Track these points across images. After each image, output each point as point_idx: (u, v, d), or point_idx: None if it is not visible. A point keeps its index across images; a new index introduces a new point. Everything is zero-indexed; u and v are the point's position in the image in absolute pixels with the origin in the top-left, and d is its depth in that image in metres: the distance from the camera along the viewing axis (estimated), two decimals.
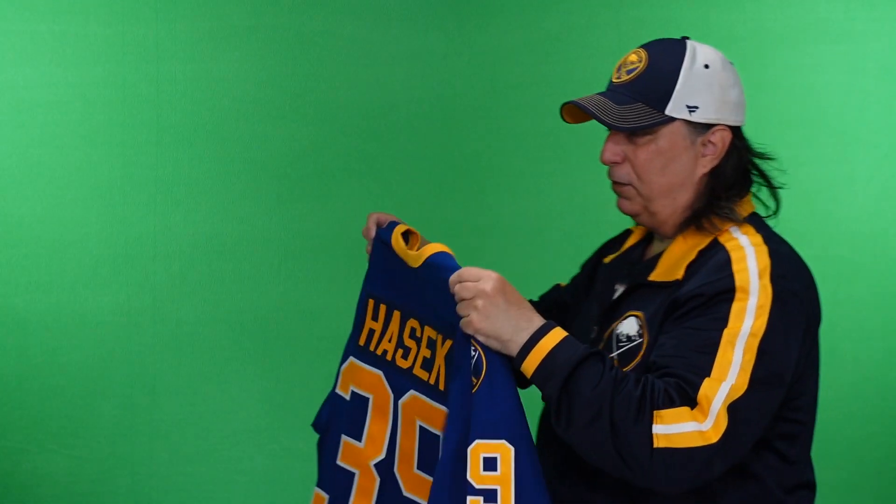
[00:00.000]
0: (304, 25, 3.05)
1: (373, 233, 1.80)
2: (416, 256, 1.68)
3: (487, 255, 2.85)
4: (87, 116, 2.92)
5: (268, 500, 3.00)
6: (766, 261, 1.62)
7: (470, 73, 3.08)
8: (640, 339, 1.61)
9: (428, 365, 1.67)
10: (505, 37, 3.09)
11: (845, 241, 2.98)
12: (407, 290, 1.71)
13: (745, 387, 1.50)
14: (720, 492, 1.58)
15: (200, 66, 2.97)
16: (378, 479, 1.74)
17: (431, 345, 1.66)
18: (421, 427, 1.68)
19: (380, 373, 1.76)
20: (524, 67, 3.09)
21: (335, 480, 1.79)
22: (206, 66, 2.97)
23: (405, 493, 1.69)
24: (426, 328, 1.68)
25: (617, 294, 1.71)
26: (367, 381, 1.78)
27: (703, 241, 1.66)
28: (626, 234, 1.88)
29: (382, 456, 1.73)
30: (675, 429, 1.47)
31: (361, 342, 1.80)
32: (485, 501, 1.50)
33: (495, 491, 1.50)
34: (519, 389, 1.55)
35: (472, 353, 1.53)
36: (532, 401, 1.59)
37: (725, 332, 1.52)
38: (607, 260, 1.84)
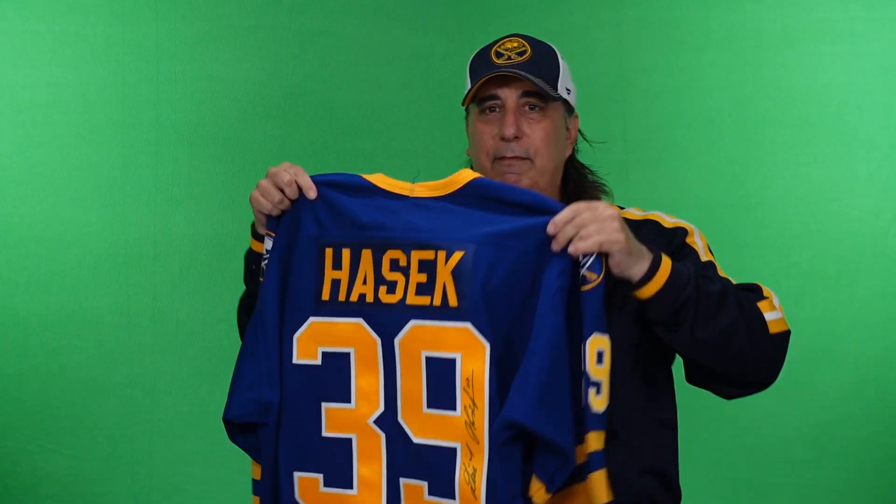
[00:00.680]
0: (304, 25, 3.05)
1: (305, 181, 1.69)
2: (439, 185, 1.64)
3: None
4: (87, 116, 2.92)
5: None
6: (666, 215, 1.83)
7: None
8: None
9: (426, 288, 1.60)
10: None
11: (845, 241, 2.98)
12: (378, 222, 1.64)
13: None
14: (661, 441, 1.71)
15: (200, 66, 2.97)
16: (383, 435, 1.63)
17: (427, 266, 1.60)
18: (428, 358, 1.59)
19: (359, 320, 1.64)
20: None
21: (325, 455, 1.66)
22: (206, 66, 2.97)
23: (416, 441, 1.60)
24: (415, 253, 1.61)
25: None
26: (341, 335, 1.65)
27: None
28: None
29: (381, 409, 1.63)
30: (770, 316, 1.68)
31: (325, 297, 1.65)
32: (596, 394, 1.54)
33: (600, 383, 1.54)
34: None
35: (586, 258, 1.54)
36: None
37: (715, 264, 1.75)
38: None
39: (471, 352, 1.57)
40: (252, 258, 1.78)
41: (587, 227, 1.54)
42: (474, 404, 1.56)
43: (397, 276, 1.62)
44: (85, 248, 2.94)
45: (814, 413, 3.02)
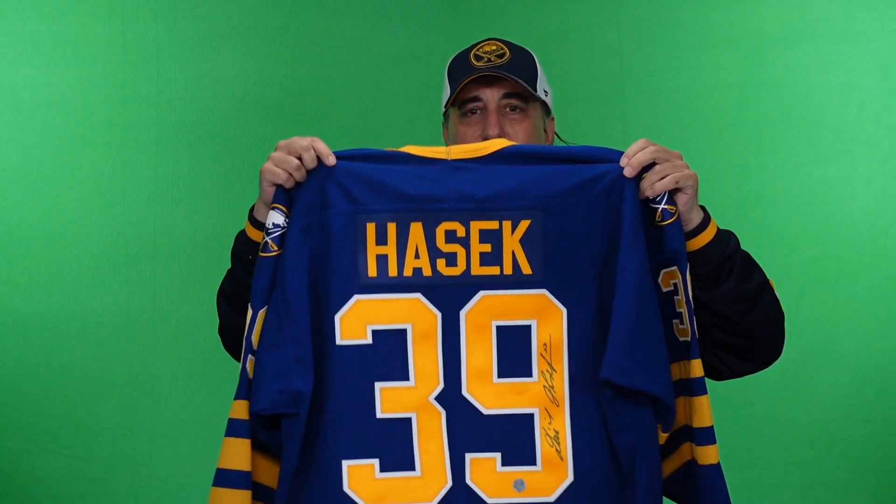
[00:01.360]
0: (304, 25, 3.05)
1: (323, 147, 1.63)
2: (476, 148, 1.63)
3: None
4: (87, 116, 2.92)
5: None
6: None
7: None
8: None
9: (493, 258, 1.59)
10: (505, 37, 3.08)
11: (845, 241, 2.97)
12: (426, 193, 1.60)
13: None
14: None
15: (200, 66, 2.97)
16: (443, 412, 1.58)
17: (490, 237, 1.59)
18: (499, 327, 1.59)
19: (416, 296, 1.60)
20: None
21: (381, 438, 1.59)
22: (206, 66, 2.97)
23: (486, 412, 1.58)
24: (475, 223, 1.59)
25: None
26: (396, 311, 1.60)
27: None
28: None
29: (442, 385, 1.59)
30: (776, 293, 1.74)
31: (371, 273, 1.60)
32: (680, 324, 1.59)
33: (682, 314, 1.59)
34: None
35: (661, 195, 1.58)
36: None
37: None
38: None
39: (547, 317, 1.59)
40: (245, 245, 1.70)
41: (663, 164, 1.58)
42: (552, 368, 1.58)
43: (456, 248, 1.60)
44: (85, 248, 2.94)
45: (814, 413, 3.02)
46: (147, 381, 2.97)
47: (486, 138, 1.81)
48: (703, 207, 1.66)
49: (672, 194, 1.59)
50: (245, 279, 1.67)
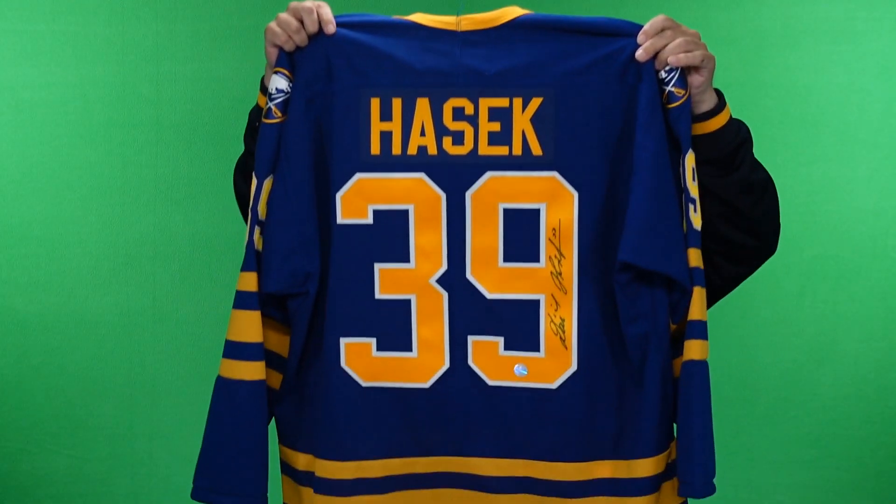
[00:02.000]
0: None
1: (326, 13, 1.55)
2: (487, 19, 1.55)
3: None
4: (87, 116, 2.92)
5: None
6: None
7: None
8: None
9: (502, 138, 1.53)
10: None
11: (845, 241, 2.97)
12: (433, 68, 1.54)
13: None
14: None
15: (200, 66, 2.97)
16: (446, 294, 1.55)
17: (500, 115, 1.53)
18: (507, 210, 1.53)
19: (420, 175, 1.54)
20: None
21: (379, 318, 1.56)
22: (206, 66, 2.97)
23: (490, 296, 1.54)
24: (484, 100, 1.53)
25: None
26: (397, 191, 1.54)
27: None
28: None
29: (444, 268, 1.55)
30: None
31: (374, 151, 1.53)
32: (694, 211, 1.53)
33: (695, 200, 1.53)
34: None
35: (671, 74, 1.52)
36: None
37: None
38: None
39: (557, 201, 1.53)
40: (257, 114, 1.67)
41: (680, 41, 1.51)
42: (561, 254, 1.53)
43: (463, 126, 1.53)
44: (85, 249, 2.94)
45: (814, 413, 3.02)
46: (147, 381, 2.98)
47: None
48: (717, 92, 1.60)
49: (686, 74, 1.53)
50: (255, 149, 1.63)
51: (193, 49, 2.97)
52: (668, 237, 1.52)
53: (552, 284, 1.53)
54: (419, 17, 1.58)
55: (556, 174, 1.53)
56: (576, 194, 1.52)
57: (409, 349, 1.56)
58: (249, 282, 1.57)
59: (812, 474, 3.03)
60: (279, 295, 1.58)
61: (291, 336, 1.61)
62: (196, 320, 2.98)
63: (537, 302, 1.54)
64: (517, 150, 1.53)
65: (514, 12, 1.57)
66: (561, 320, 1.53)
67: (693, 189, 1.53)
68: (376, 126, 1.54)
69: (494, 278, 1.54)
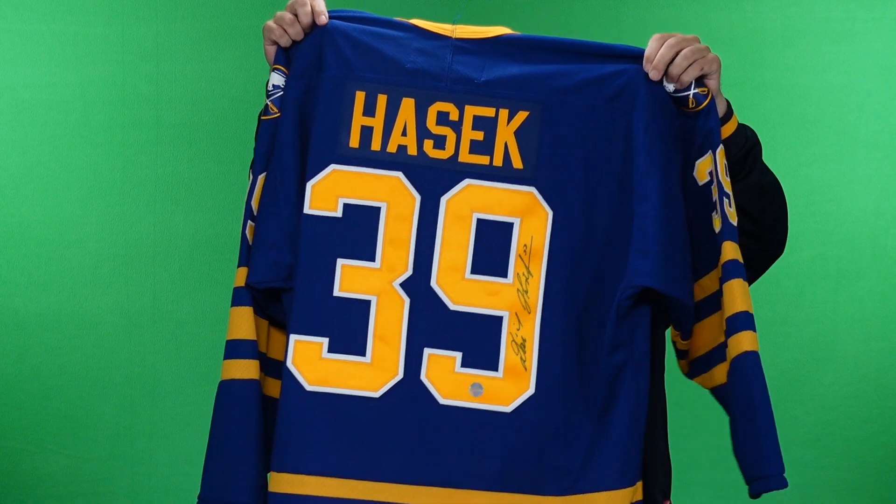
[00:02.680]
0: None
1: (319, 4, 1.54)
2: (482, 30, 1.57)
3: None
4: (87, 116, 2.92)
5: None
6: None
7: None
8: None
9: (483, 147, 1.51)
10: None
11: (845, 241, 2.97)
12: (423, 69, 1.53)
13: None
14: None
15: (200, 66, 2.97)
16: (407, 300, 1.49)
17: (484, 124, 1.51)
18: (480, 220, 1.50)
19: (397, 174, 1.51)
20: None
21: (334, 316, 1.50)
22: (206, 66, 2.97)
23: (453, 307, 1.49)
24: (470, 108, 1.51)
25: None
26: (372, 187, 1.51)
27: None
28: None
29: (409, 272, 1.50)
30: None
31: (353, 144, 1.51)
32: (729, 205, 1.52)
33: (730, 195, 1.53)
34: None
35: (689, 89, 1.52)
36: None
37: None
38: None
39: (532, 217, 1.50)
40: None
41: (687, 51, 1.50)
42: (529, 272, 1.49)
43: (446, 131, 1.52)
44: (85, 248, 2.94)
45: (814, 413, 3.02)
46: (147, 381, 2.97)
47: None
48: (727, 101, 1.61)
49: (698, 80, 1.53)
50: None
51: (193, 49, 2.96)
52: (680, 263, 1.51)
53: (517, 302, 1.50)
54: (415, 21, 1.59)
55: (533, 190, 1.51)
56: (551, 213, 1.50)
57: (363, 354, 1.49)
58: (242, 277, 1.53)
59: (812, 474, 3.03)
60: (265, 287, 1.52)
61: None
62: (196, 320, 2.98)
63: (500, 319, 1.50)
64: (498, 161, 1.51)
65: (501, 29, 1.60)
66: (522, 340, 1.49)
67: (726, 184, 1.51)
68: (358, 119, 1.52)
69: (459, 289, 1.50)
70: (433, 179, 1.51)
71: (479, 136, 1.51)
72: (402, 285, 1.50)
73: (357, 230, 1.50)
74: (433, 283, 1.50)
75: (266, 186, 1.56)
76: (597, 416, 1.50)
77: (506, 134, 1.51)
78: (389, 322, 1.49)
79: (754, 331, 1.49)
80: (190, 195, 2.97)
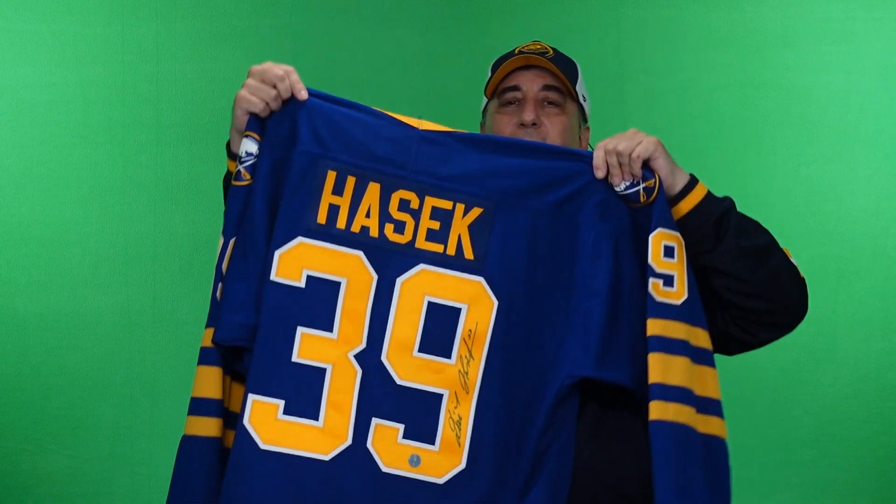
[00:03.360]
0: (304, 25, 3.05)
1: (296, 79, 1.65)
2: (440, 126, 1.67)
3: None
4: (87, 116, 2.92)
5: None
6: None
7: (470, 74, 3.08)
8: None
9: (439, 236, 1.62)
10: (504, 37, 3.08)
11: (845, 241, 2.98)
12: (391, 158, 1.64)
13: None
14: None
15: (200, 66, 2.97)
16: (360, 372, 1.59)
17: (441, 215, 1.63)
18: (431, 303, 1.61)
19: (358, 253, 1.61)
20: None
21: (291, 380, 1.58)
22: (206, 66, 2.97)
23: (399, 382, 1.60)
24: (430, 199, 1.63)
25: None
26: (335, 263, 1.60)
27: None
28: None
29: (363, 346, 1.60)
30: (794, 261, 1.73)
31: (321, 220, 1.61)
32: (664, 285, 1.59)
33: (672, 276, 1.59)
34: None
35: (639, 179, 1.61)
36: None
37: None
38: None
39: (478, 305, 1.61)
40: (228, 179, 1.70)
41: (623, 154, 1.59)
42: (471, 356, 1.60)
43: (406, 217, 1.63)
44: (85, 248, 2.94)
45: (814, 413, 3.02)
46: (147, 381, 2.97)
47: (521, 124, 1.85)
48: (691, 175, 1.67)
49: (647, 167, 1.62)
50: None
51: (193, 49, 2.97)
52: (623, 352, 1.60)
53: (457, 382, 1.59)
54: (385, 111, 1.68)
55: (482, 280, 1.61)
56: (496, 302, 1.61)
57: (316, 418, 1.57)
58: (209, 337, 1.64)
59: (812, 474, 3.03)
60: (228, 345, 1.61)
61: None
62: (196, 320, 2.94)
63: (441, 396, 1.59)
64: (451, 250, 1.62)
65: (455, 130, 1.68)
66: (459, 417, 1.59)
67: (663, 265, 1.59)
68: (327, 197, 1.61)
69: (407, 365, 1.60)
70: (391, 261, 1.61)
71: (436, 225, 1.62)
72: (356, 357, 1.60)
73: (318, 302, 1.60)
74: (383, 358, 1.60)
75: (236, 249, 1.63)
76: (520, 490, 1.59)
77: (460, 226, 1.62)
78: (342, 390, 1.58)
79: (659, 400, 1.57)
80: (190, 195, 2.97)
